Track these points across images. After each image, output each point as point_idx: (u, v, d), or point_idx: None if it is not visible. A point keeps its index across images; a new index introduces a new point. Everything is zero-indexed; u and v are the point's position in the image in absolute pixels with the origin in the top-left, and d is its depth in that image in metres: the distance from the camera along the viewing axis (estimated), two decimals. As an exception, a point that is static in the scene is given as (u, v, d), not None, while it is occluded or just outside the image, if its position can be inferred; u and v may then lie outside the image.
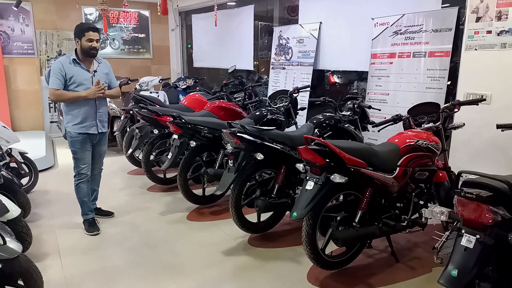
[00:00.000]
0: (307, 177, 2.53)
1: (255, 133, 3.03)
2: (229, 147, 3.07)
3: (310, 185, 2.48)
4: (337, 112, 3.87)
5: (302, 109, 4.67)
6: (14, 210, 2.80)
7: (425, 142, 2.77)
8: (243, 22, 6.70)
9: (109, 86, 3.56)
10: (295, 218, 2.43)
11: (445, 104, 3.16)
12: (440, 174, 3.08)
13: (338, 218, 2.63)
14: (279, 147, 3.12)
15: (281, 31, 6.00)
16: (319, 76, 5.94)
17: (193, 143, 3.71)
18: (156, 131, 4.38)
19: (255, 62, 7.86)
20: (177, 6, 7.11)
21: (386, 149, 2.76)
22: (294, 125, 4.55)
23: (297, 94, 4.43)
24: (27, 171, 4.43)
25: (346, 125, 3.61)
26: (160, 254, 3.12)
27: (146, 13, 8.25)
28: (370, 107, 3.56)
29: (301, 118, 5.17)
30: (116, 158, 6.04)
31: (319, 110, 4.70)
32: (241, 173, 3.10)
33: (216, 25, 5.61)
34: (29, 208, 3.62)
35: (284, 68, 5.95)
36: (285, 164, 3.24)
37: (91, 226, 3.50)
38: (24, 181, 4.41)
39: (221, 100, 4.91)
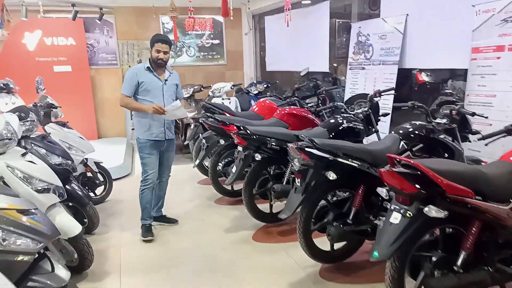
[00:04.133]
0: (392, 207, 2.02)
1: (327, 148, 2.59)
2: (296, 164, 2.66)
3: (396, 218, 1.97)
4: (429, 119, 3.23)
5: (385, 115, 4.07)
6: (75, 228, 2.74)
7: (557, 163, 2.07)
8: (318, 21, 6.23)
9: (176, 97, 3.62)
10: (376, 259, 1.94)
11: None
12: None
13: (434, 259, 2.07)
14: (356, 165, 2.63)
15: (360, 27, 5.41)
16: (405, 76, 5.23)
17: (258, 156, 3.38)
18: (222, 141, 4.15)
19: (334, 64, 7.34)
20: (248, 9, 6.90)
21: (498, 171, 2.12)
22: (375, 134, 3.98)
23: (379, 98, 3.85)
24: (102, 180, 4.52)
25: (442, 136, 2.97)
26: (222, 279, 2.84)
27: (221, 18, 8.20)
28: (474, 114, 2.87)
29: (384, 124, 4.55)
30: (188, 166, 5.97)
31: (404, 116, 4.07)
32: (310, 195, 2.67)
33: (287, 26, 5.24)
34: (97, 221, 3.62)
35: (363, 68, 5.35)
36: (363, 184, 2.73)
37: (147, 232, 3.56)
38: (99, 190, 4.51)
39: (292, 107, 4.52)
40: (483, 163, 3.45)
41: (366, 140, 4.15)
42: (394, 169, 1.95)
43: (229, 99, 6.47)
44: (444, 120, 3.10)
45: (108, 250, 3.36)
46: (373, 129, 3.94)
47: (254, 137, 3.35)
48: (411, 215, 1.92)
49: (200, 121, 4.32)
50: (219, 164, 4.33)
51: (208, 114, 4.17)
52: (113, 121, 7.84)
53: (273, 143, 3.37)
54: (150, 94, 3.38)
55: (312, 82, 6.46)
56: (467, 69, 3.94)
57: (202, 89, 6.57)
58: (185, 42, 8.05)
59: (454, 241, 2.13)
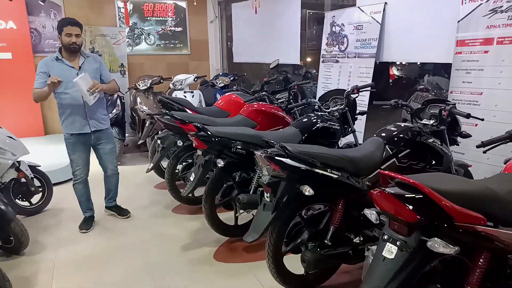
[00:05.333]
0: (385, 237, 1.59)
1: (302, 156, 2.13)
2: (265, 176, 2.19)
3: (390, 252, 1.54)
4: (415, 120, 2.86)
5: (363, 113, 3.69)
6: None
7: None
8: (288, 9, 5.77)
9: (102, 81, 3.36)
10: (365, 306, 1.52)
11: None
12: None
13: (432, 296, 1.68)
14: (335, 176, 2.20)
15: (334, 16, 5.00)
16: (382, 70, 4.89)
17: (220, 162, 2.88)
18: (181, 142, 3.62)
19: (307, 59, 6.91)
20: (214, -7, 6.33)
21: (506, 188, 1.74)
22: (351, 134, 3.60)
23: (357, 94, 3.46)
24: (39, 186, 3.87)
25: (431, 140, 2.59)
26: (174, 314, 2.34)
27: (183, 4, 7.56)
28: (469, 115, 2.49)
29: (360, 123, 4.17)
30: (145, 167, 5.38)
31: (382, 114, 3.72)
32: (281, 213, 2.22)
33: (256, 13, 4.75)
34: (26, 240, 3.01)
35: (337, 61, 4.96)
36: (343, 197, 2.32)
37: (83, 223, 3.52)
38: (36, 198, 3.86)
39: (260, 103, 4.04)
40: (469, 168, 3.15)
41: (340, 141, 3.77)
42: (388, 190, 1.52)
43: (192, 92, 5.89)
44: (432, 121, 2.73)
45: (37, 275, 2.76)
46: (350, 129, 3.57)
47: (216, 139, 2.84)
48: (412, 249, 1.51)
49: (155, 118, 3.75)
50: (177, 167, 3.80)
51: (164, 111, 3.61)
52: (63, 115, 7.05)
53: (238, 147, 2.88)
54: (64, 85, 3.11)
55: (283, 74, 6.02)
56: (445, 64, 3.63)
57: (162, 81, 5.94)
58: (144, 29, 7.35)
59: (455, 271, 1.75)
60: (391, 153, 2.50)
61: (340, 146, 3.67)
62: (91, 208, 3.61)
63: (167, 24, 7.50)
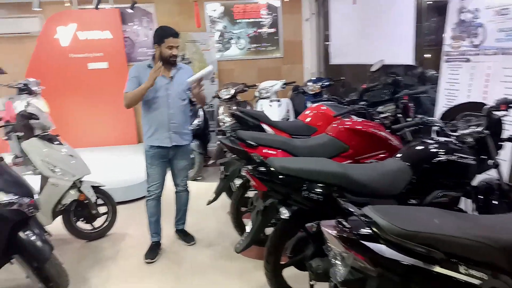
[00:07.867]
0: None
1: (408, 243, 1.16)
2: (339, 270, 1.28)
3: None
4: None
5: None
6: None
7: None
8: (399, -2, 4.60)
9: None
10: None
11: None
12: None
13: None
14: (475, 282, 1.18)
15: (463, 0, 3.71)
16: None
17: (285, 213, 2.03)
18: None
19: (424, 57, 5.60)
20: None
21: None
22: (494, 168, 2.41)
23: (505, 111, 2.27)
24: (102, 204, 3.56)
25: None
26: None
27: (276, 3, 6.86)
28: None
29: (506, 150, 2.87)
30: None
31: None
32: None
33: (354, 3, 3.76)
34: (64, 282, 2.58)
35: (468, 60, 3.65)
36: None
37: (149, 252, 3.20)
38: (101, 220, 3.55)
39: (355, 118, 3.08)
40: None
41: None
42: None
43: (279, 101, 5.14)
44: None
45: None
46: (491, 162, 2.38)
47: (279, 178, 2.00)
48: None
49: (220, 141, 3.08)
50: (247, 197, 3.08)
51: (224, 130, 2.93)
52: (155, 124, 6.98)
53: (312, 191, 2.00)
54: (153, 93, 2.99)
55: (390, 77, 4.88)
56: None
57: (245, 89, 5.32)
58: (233, 32, 6.86)
59: None
60: None
61: (477, 185, 2.51)
62: (158, 232, 3.31)
63: (259, 25, 6.89)
